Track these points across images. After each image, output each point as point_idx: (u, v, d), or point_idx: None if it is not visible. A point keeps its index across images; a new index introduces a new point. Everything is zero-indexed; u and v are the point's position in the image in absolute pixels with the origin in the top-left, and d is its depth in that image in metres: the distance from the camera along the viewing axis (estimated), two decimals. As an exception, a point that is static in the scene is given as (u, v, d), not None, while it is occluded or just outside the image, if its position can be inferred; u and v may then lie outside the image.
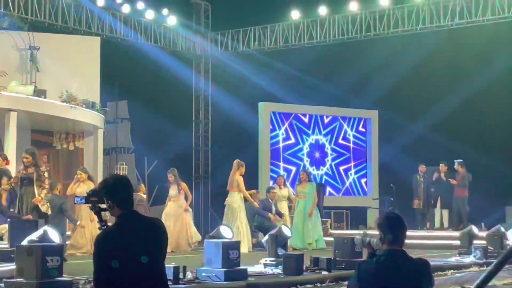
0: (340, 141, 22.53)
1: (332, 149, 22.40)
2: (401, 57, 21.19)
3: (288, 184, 17.90)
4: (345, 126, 22.57)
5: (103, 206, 4.87)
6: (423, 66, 21.65)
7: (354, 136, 22.68)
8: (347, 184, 22.50)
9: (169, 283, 7.83)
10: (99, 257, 4.65)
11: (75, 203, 5.26)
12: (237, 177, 14.94)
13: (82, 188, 13.94)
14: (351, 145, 22.67)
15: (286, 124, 21.73)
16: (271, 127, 21.47)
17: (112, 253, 4.62)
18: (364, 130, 22.84)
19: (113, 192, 4.79)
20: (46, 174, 11.66)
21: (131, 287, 4.63)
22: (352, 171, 22.61)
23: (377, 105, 22.48)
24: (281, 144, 21.57)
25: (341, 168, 22.48)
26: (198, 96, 23.84)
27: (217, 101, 23.36)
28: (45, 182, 11.48)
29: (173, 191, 15.11)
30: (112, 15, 20.53)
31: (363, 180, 22.73)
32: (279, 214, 15.88)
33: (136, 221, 4.80)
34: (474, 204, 18.39)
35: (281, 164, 21.51)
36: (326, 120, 22.38)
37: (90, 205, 4.90)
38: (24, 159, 11.56)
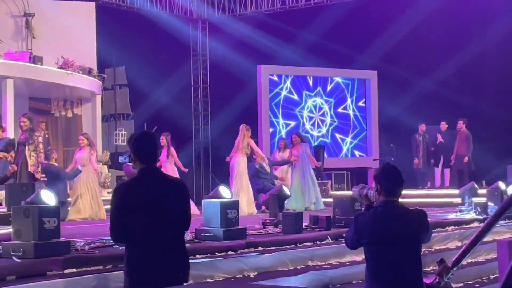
0: (340, 110, 22.47)
1: (331, 116, 22.34)
2: (402, 16, 21.00)
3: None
4: (348, 99, 22.48)
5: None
6: (422, 25, 21.48)
7: (353, 111, 22.62)
8: (343, 152, 22.47)
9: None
10: (115, 207, 4.75)
11: (119, 162, 5.25)
12: (248, 140, 15.02)
13: (83, 153, 13.93)
14: (351, 113, 22.58)
15: (289, 82, 21.68)
16: (277, 79, 21.45)
17: (128, 204, 4.72)
18: (364, 105, 22.74)
19: (136, 146, 4.87)
20: (40, 139, 11.55)
21: (145, 239, 4.72)
22: (348, 140, 22.56)
23: (377, 64, 22.35)
24: (283, 93, 21.51)
25: (337, 136, 22.43)
26: (196, 60, 23.69)
27: (215, 64, 23.22)
28: (39, 147, 11.37)
29: (164, 156, 15.00)
30: (107, -20, 20.34)
31: (357, 152, 22.69)
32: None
33: (156, 177, 4.88)
34: (475, 162, 18.37)
35: (280, 120, 21.46)
36: (329, 87, 22.28)
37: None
38: (22, 123, 11.52)
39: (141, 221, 4.71)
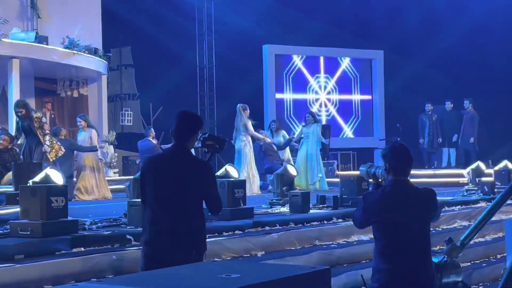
0: (345, 96, 22.47)
1: (336, 100, 22.41)
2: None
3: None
4: (352, 90, 22.49)
5: (218, 148, 5.40)
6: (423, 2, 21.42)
7: (357, 101, 22.69)
8: (341, 135, 22.55)
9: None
10: (140, 178, 5.03)
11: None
12: (245, 121, 14.83)
13: (82, 136, 13.94)
14: (354, 98, 22.65)
15: (298, 59, 21.71)
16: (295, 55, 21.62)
17: (148, 176, 4.92)
18: (370, 97, 22.69)
19: (175, 121, 5.02)
20: (43, 119, 11.52)
21: (163, 212, 4.82)
22: (346, 128, 22.60)
23: (382, 44, 22.28)
24: (298, 65, 21.55)
25: (339, 119, 22.45)
26: (202, 39, 23.56)
27: (221, 43, 23.10)
28: (44, 128, 11.35)
29: None
30: (112, -41, 20.22)
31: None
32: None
33: (181, 155, 4.95)
34: (481, 142, 18.33)
35: (289, 94, 21.50)
36: (337, 74, 22.28)
37: (206, 148, 5.27)
38: (19, 114, 11.42)
39: (156, 193, 4.85)
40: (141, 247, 5.01)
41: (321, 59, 22.13)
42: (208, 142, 5.18)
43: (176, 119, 5.02)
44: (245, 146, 14.82)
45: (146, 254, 4.86)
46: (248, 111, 15.01)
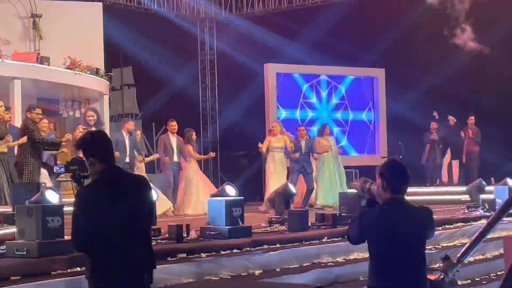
0: (347, 114, 22.50)
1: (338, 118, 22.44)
2: (403, 12, 20.88)
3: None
4: (355, 109, 22.51)
5: (84, 174, 4.81)
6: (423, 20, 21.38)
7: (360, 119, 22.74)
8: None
9: (173, 242, 7.86)
10: (79, 212, 4.48)
11: (54, 172, 5.21)
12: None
13: None
14: (356, 119, 22.61)
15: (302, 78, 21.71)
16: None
17: (92, 207, 4.46)
18: (372, 115, 22.64)
19: (92, 147, 4.62)
20: None
21: (111, 243, 4.48)
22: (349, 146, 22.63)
23: (382, 61, 22.27)
24: (300, 81, 21.62)
25: (341, 137, 22.46)
26: (204, 60, 23.65)
27: (222, 63, 23.16)
28: None
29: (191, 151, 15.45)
30: (114, -20, 20.34)
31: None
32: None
33: (118, 176, 4.66)
34: (484, 159, 18.28)
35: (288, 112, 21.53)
36: (339, 92, 22.26)
37: (71, 173, 4.82)
38: (90, 117, 11.24)
39: (106, 223, 4.45)
40: (86, 273, 4.70)
41: (323, 77, 22.12)
42: (73, 167, 4.78)
43: (94, 141, 4.63)
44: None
45: (98, 282, 4.51)
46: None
